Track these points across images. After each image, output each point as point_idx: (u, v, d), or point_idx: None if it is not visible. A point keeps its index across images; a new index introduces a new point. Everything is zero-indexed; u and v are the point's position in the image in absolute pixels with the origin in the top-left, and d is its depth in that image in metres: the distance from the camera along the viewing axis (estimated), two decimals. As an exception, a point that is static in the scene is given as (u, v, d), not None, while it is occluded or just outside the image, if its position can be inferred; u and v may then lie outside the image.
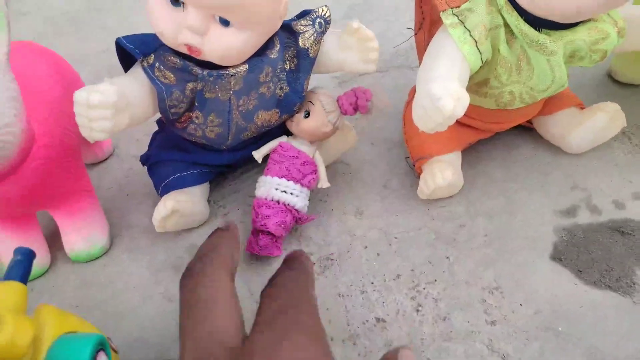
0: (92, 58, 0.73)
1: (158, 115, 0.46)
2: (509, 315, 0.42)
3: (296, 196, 0.46)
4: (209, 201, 0.52)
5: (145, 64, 0.40)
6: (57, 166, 0.44)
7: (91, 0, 0.86)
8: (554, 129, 0.52)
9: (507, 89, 0.44)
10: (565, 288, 0.43)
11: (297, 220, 0.47)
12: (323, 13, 0.44)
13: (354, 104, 0.46)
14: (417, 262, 0.46)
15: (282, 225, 0.46)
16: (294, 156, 0.46)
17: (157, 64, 0.40)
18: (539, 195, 0.50)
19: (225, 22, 0.37)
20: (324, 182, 0.47)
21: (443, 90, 0.36)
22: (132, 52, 0.40)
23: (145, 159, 0.52)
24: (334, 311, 0.43)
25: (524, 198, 0.50)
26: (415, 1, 0.47)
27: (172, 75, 0.40)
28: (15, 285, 0.31)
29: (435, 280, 0.45)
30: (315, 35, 0.44)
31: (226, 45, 0.38)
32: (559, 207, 0.49)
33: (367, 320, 0.43)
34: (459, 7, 0.41)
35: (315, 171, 0.47)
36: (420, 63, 0.46)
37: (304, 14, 0.45)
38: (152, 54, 0.40)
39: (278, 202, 0.46)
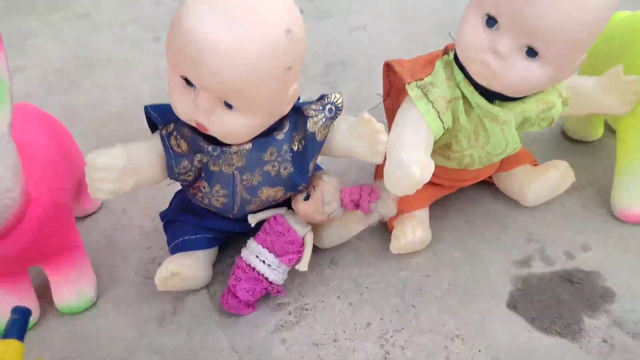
0: (83, 115, 0.77)
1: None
2: (469, 361, 0.45)
3: (272, 269, 0.49)
4: (214, 265, 0.54)
5: (164, 131, 0.44)
6: (51, 224, 0.47)
7: (84, 57, 0.90)
8: (511, 185, 0.57)
9: (467, 152, 0.49)
10: (520, 335, 0.47)
11: (266, 291, 0.50)
12: (335, 100, 0.46)
13: (356, 201, 0.48)
14: (386, 311, 0.50)
15: (250, 292, 0.49)
16: (282, 232, 0.49)
17: (174, 133, 0.44)
18: (498, 246, 0.54)
19: (229, 106, 0.40)
20: (303, 266, 0.49)
21: (411, 158, 0.41)
22: (154, 120, 0.44)
23: (163, 216, 0.55)
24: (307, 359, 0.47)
25: (484, 249, 0.54)
26: (383, 71, 0.52)
27: (185, 145, 0.44)
28: (13, 344, 0.34)
29: (402, 329, 0.48)
30: (324, 120, 0.46)
31: (227, 126, 0.41)
32: (516, 257, 0.53)
33: (339, 368, 0.46)
34: (422, 79, 0.46)
35: (299, 252, 0.49)
36: (389, 128, 0.51)
37: (319, 98, 0.47)
38: (172, 123, 0.44)
39: (254, 269, 0.49)
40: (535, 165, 0.57)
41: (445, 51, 0.48)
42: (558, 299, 0.49)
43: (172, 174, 0.45)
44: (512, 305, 0.49)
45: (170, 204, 0.56)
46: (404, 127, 0.45)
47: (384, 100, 0.55)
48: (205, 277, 0.52)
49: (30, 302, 0.51)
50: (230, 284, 0.49)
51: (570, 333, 0.46)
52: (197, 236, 0.52)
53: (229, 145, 0.44)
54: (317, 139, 0.46)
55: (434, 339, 0.47)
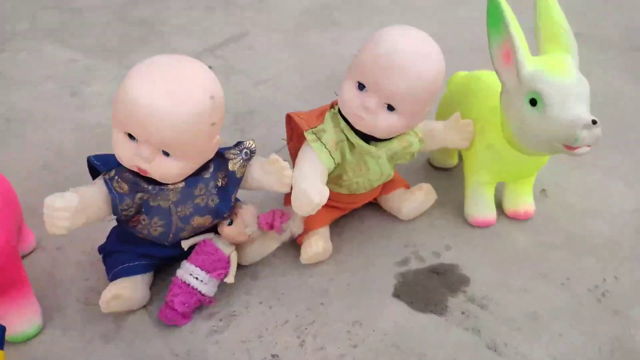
0: (11, 168, 0.82)
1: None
2: (366, 339, 0.58)
3: (204, 283, 0.59)
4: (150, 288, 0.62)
5: (107, 176, 0.53)
6: (4, 261, 0.54)
7: (2, 113, 0.95)
8: (390, 204, 0.72)
9: (354, 180, 0.63)
10: (403, 315, 0.61)
11: (200, 302, 0.59)
12: (250, 145, 0.58)
13: (270, 223, 0.60)
14: (300, 309, 0.61)
15: (186, 305, 0.58)
16: (211, 253, 0.59)
17: (116, 177, 0.53)
18: (384, 252, 0.69)
19: (166, 154, 0.51)
20: (230, 278, 0.60)
21: (311, 187, 0.54)
22: (97, 167, 0.53)
23: (102, 249, 0.62)
24: (238, 355, 0.57)
25: (373, 255, 0.68)
26: (285, 121, 0.66)
27: (126, 186, 0.54)
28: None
29: (314, 321, 0.60)
30: (241, 161, 0.58)
31: (165, 170, 0.51)
32: (397, 259, 0.68)
33: (265, 357, 0.56)
34: (315, 127, 0.60)
35: (226, 267, 0.60)
36: (293, 165, 0.64)
37: (237, 144, 0.59)
38: (113, 170, 0.54)
39: (188, 284, 0.58)
40: (408, 188, 0.73)
41: (332, 106, 0.63)
42: (429, 287, 0.64)
43: (116, 211, 0.54)
44: (397, 294, 0.63)
45: (107, 238, 0.64)
46: (304, 163, 0.59)
47: (288, 143, 0.68)
48: (143, 298, 0.61)
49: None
50: (167, 299, 0.58)
51: (438, 310, 0.61)
52: (135, 263, 0.61)
53: (166, 184, 0.54)
54: (237, 176, 0.58)
55: (339, 326, 0.60)
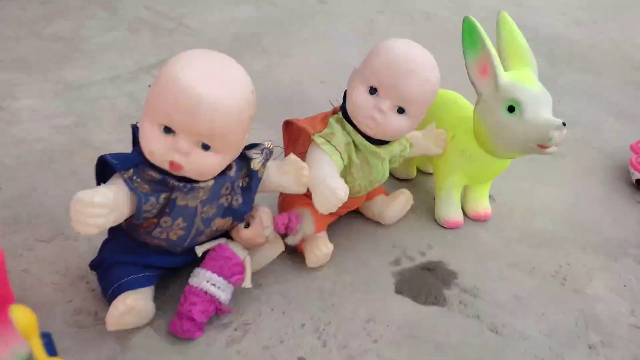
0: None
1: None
2: (383, 333, 0.60)
3: (222, 290, 0.56)
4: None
5: (125, 176, 0.49)
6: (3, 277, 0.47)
7: None
8: (374, 209, 0.76)
9: (357, 182, 0.66)
10: (410, 309, 0.64)
11: (217, 311, 0.57)
12: (269, 146, 0.58)
13: (286, 225, 0.59)
14: (313, 311, 0.61)
15: (205, 314, 0.55)
16: (228, 257, 0.56)
17: (134, 177, 0.49)
18: (375, 254, 0.72)
19: (206, 147, 0.49)
20: (247, 283, 0.58)
21: (335, 184, 0.56)
22: (114, 166, 0.49)
23: (97, 264, 0.56)
24: (264, 360, 0.55)
25: (366, 257, 0.71)
26: (282, 128, 0.68)
27: (147, 186, 0.50)
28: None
29: (330, 322, 0.61)
30: (263, 161, 0.57)
31: (205, 165, 0.49)
32: (389, 259, 0.71)
33: (293, 360, 0.55)
34: (321, 131, 0.62)
35: (242, 272, 0.57)
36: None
37: (252, 146, 0.57)
38: (131, 169, 0.49)
39: (206, 292, 0.55)
40: (387, 195, 0.78)
41: (334, 112, 0.66)
42: (425, 282, 0.68)
43: (139, 212, 0.50)
44: (399, 291, 0.66)
45: (101, 252, 0.58)
46: (320, 164, 0.60)
47: (285, 149, 0.69)
48: (152, 312, 0.56)
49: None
50: (183, 310, 0.55)
51: (439, 302, 0.66)
52: (140, 275, 0.56)
53: (197, 181, 0.52)
54: (259, 175, 0.57)
55: (355, 324, 0.61)
